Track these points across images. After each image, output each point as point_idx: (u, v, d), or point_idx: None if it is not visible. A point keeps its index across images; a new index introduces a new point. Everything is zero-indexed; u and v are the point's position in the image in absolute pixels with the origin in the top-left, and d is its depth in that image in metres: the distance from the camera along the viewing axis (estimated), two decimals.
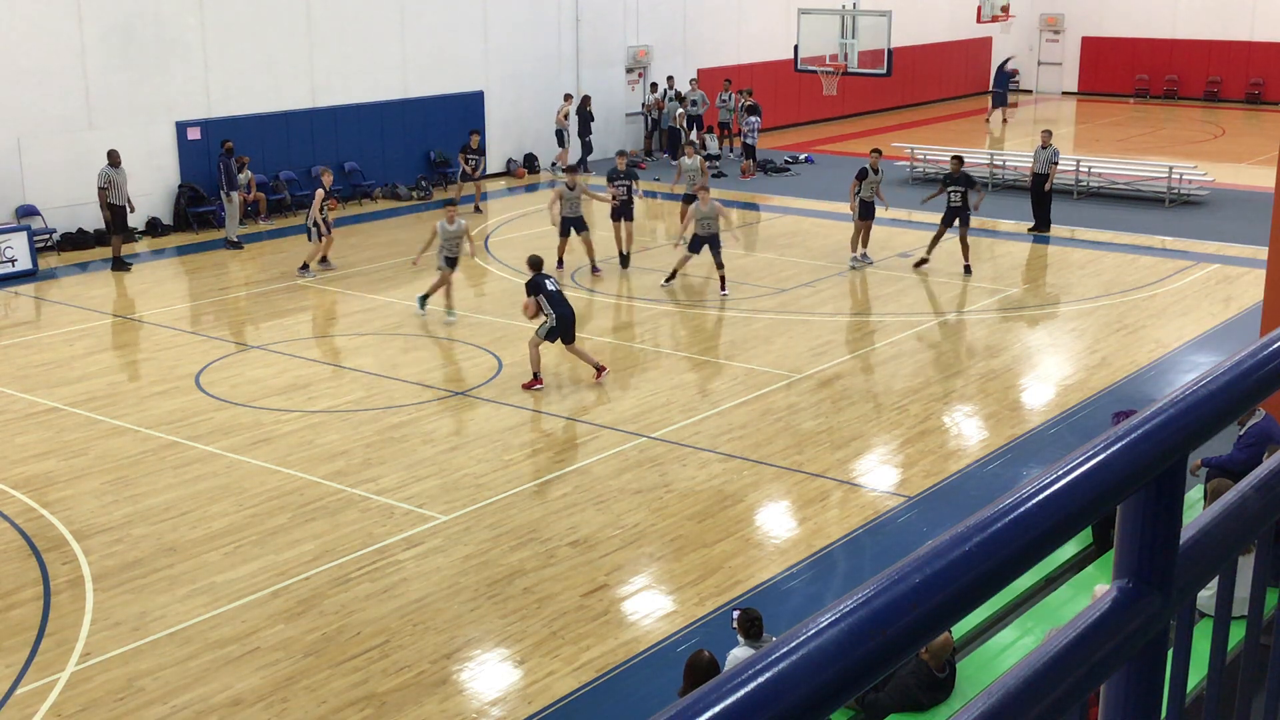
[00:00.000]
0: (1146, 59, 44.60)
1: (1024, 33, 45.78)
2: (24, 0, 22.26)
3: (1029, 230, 23.99)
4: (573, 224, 20.34)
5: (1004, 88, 39.96)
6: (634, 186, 21.32)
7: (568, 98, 30.48)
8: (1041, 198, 23.73)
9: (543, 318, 15.30)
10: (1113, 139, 35.72)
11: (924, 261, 21.17)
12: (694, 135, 31.64)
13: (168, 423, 14.46)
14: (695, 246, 19.28)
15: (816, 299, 19.44)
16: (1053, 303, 19.53)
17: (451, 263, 18.35)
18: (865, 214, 21.27)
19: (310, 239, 21.20)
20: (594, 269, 20.81)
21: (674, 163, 31.34)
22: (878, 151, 21.70)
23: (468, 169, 26.13)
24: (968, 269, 20.89)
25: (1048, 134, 23.67)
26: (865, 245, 21.56)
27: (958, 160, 21.38)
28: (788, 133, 36.41)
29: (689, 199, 23.04)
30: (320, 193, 21.04)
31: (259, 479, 12.89)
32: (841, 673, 1.13)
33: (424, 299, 18.64)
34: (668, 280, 20.03)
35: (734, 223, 19.94)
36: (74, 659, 9.67)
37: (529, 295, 15.29)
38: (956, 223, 20.83)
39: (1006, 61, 41.11)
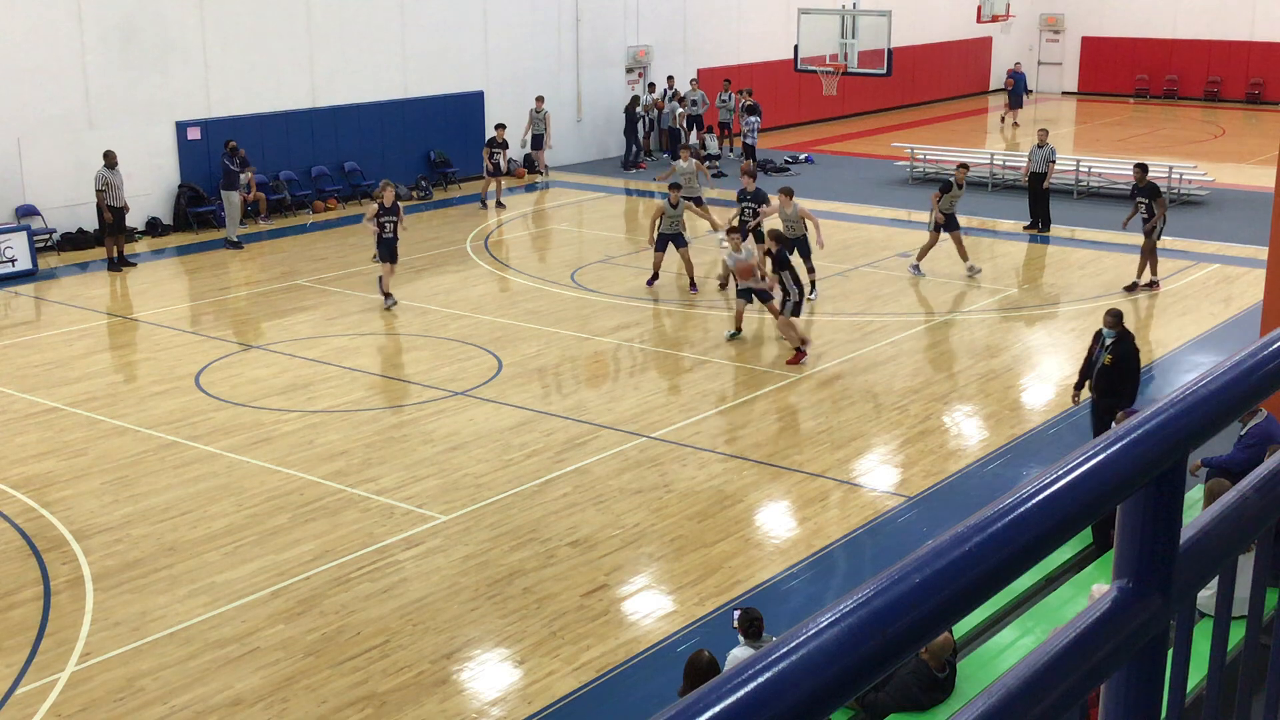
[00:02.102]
0: (1146, 59, 44.59)
1: (1024, 33, 45.78)
2: (24, 0, 22.27)
3: (1024, 229, 23.98)
4: (672, 240, 19.75)
5: (1020, 90, 38.93)
6: (759, 210, 19.82)
7: (539, 99, 29.72)
8: (1039, 197, 23.73)
9: (779, 291, 16.44)
10: (1113, 139, 35.70)
11: (1135, 286, 19.69)
12: (692, 138, 31.64)
13: (168, 423, 14.46)
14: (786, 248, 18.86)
15: (816, 299, 19.42)
16: (1053, 303, 19.52)
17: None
18: (951, 225, 20.43)
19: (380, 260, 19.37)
20: (692, 286, 19.92)
21: (670, 164, 31.45)
22: (965, 167, 20.91)
23: (491, 165, 26.10)
24: (1154, 283, 19.71)
25: (1044, 132, 23.68)
26: (966, 258, 20.65)
27: (1141, 169, 19.51)
28: (788, 133, 36.40)
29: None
30: (372, 208, 19.05)
31: (259, 479, 12.89)
32: (841, 673, 1.13)
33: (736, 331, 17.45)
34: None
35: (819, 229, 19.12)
36: (74, 659, 9.67)
37: (775, 270, 16.46)
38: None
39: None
